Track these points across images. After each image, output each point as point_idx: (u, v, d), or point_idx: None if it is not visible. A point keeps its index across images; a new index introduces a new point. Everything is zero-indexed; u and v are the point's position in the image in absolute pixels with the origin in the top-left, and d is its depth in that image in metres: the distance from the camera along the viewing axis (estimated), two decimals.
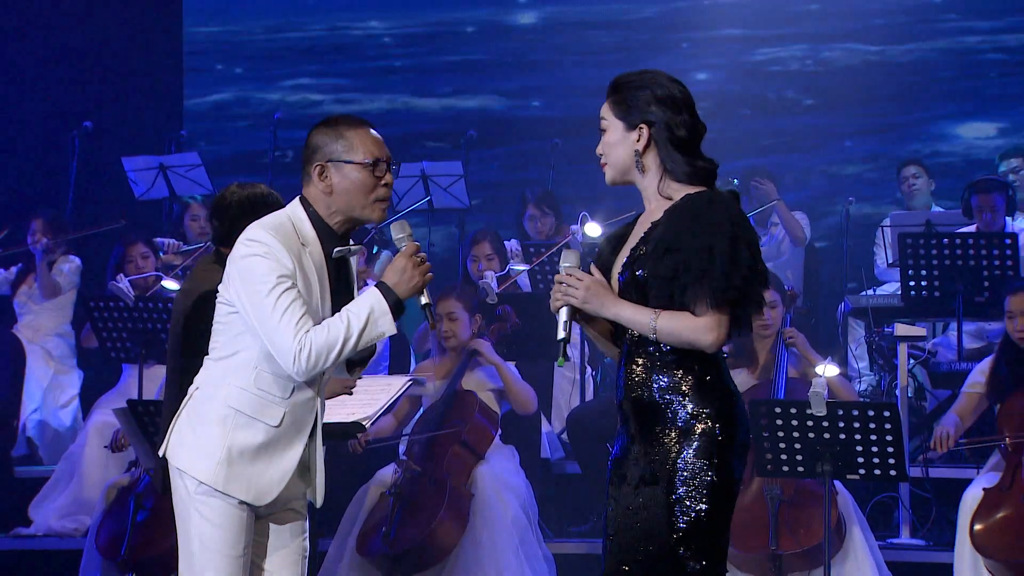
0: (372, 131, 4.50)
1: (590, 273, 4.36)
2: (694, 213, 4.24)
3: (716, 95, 12.81)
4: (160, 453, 4.51)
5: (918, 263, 8.99)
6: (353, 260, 4.60)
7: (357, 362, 4.65)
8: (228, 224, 5.55)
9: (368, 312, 4.35)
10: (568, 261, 4.38)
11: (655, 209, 4.34)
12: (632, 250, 4.35)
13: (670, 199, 4.31)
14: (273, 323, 4.30)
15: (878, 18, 13.07)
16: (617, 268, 4.38)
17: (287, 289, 4.32)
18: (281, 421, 4.40)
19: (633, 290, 4.30)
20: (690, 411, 4.25)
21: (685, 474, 4.22)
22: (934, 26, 13.07)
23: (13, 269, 10.53)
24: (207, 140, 13.53)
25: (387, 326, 4.37)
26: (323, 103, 13.56)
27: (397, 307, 4.38)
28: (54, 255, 10.29)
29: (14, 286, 10.47)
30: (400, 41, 13.93)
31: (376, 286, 4.41)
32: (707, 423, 4.25)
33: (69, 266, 10.37)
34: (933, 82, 13.02)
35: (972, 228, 9.41)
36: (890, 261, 10.09)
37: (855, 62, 13.09)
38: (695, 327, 4.22)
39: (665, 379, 4.27)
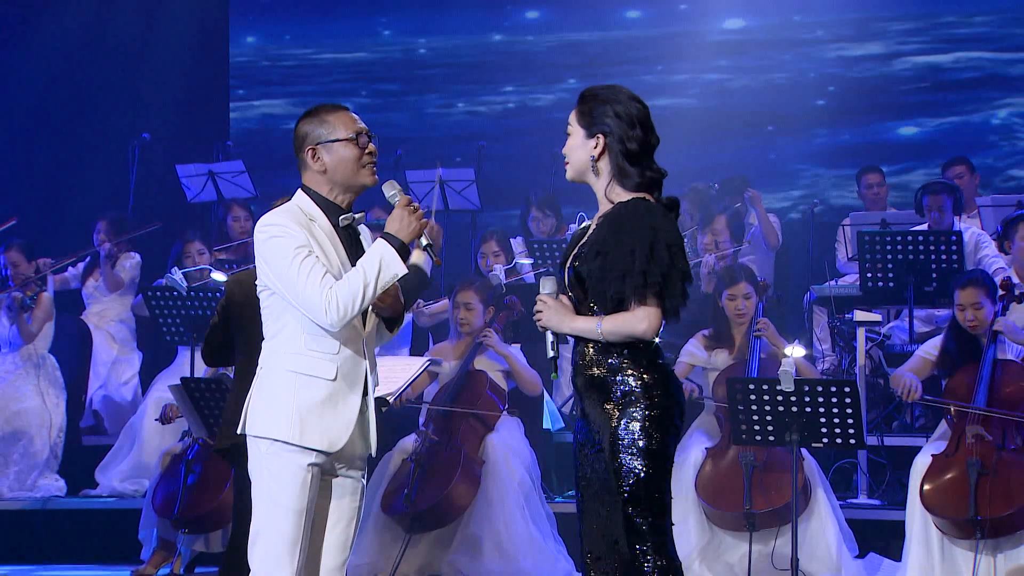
0: (349, 111, 4.53)
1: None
2: (620, 219, 4.29)
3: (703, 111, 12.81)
4: (238, 431, 4.51)
5: (875, 257, 8.97)
6: (362, 227, 4.62)
7: (395, 321, 4.64)
8: None
9: (379, 259, 4.36)
10: (545, 288, 4.43)
11: (601, 212, 4.39)
12: (579, 247, 4.40)
13: (612, 203, 4.35)
14: (300, 286, 4.33)
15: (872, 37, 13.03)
16: (567, 262, 4.43)
17: (306, 257, 4.35)
18: (336, 375, 4.40)
19: (576, 283, 4.36)
20: (627, 387, 4.29)
21: (624, 443, 4.27)
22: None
23: (80, 265, 10.55)
24: (250, 149, 13.50)
25: (398, 267, 4.38)
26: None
27: (403, 250, 4.41)
28: (116, 255, 10.31)
29: (83, 278, 10.49)
30: (425, 60, 13.91)
31: (381, 236, 4.44)
32: (641, 398, 4.28)
33: (130, 263, 10.38)
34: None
35: (924, 227, 9.37)
36: (850, 256, 10.07)
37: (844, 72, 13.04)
38: (629, 322, 4.27)
39: (607, 359, 4.32)
